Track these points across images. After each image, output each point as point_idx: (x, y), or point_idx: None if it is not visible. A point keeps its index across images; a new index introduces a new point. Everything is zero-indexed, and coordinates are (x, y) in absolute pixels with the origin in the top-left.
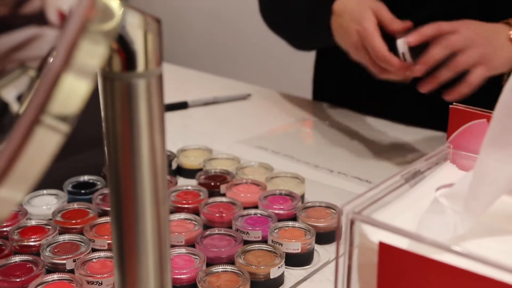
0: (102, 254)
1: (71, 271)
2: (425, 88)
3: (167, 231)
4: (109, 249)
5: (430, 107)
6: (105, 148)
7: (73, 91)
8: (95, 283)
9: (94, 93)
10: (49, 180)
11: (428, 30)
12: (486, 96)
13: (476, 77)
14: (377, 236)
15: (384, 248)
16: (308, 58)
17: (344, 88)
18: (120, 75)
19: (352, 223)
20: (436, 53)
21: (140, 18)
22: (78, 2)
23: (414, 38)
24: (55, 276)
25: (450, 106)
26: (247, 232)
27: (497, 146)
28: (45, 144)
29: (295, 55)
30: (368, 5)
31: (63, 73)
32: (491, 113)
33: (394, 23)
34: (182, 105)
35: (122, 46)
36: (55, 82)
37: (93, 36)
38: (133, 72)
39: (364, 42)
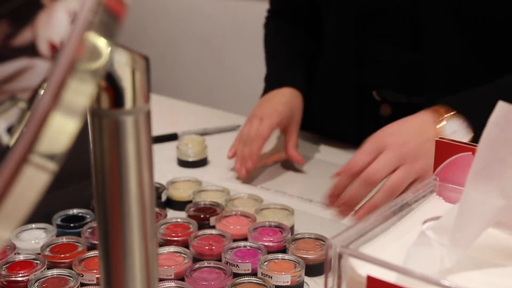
0: None
1: None
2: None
3: (156, 266)
4: (98, 284)
5: None
6: (93, 184)
7: (61, 130)
8: None
9: (82, 127)
10: (38, 213)
11: (341, 180)
12: None
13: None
14: (365, 269)
15: (372, 282)
16: None
17: (332, 119)
18: (108, 112)
19: (340, 256)
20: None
21: (128, 56)
22: (66, 41)
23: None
24: None
25: (436, 139)
26: (237, 265)
27: (482, 179)
28: (32, 183)
29: None
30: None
31: (51, 112)
32: (476, 146)
33: (291, 150)
34: (171, 137)
35: (110, 84)
36: (43, 121)
37: (81, 75)
38: (121, 109)
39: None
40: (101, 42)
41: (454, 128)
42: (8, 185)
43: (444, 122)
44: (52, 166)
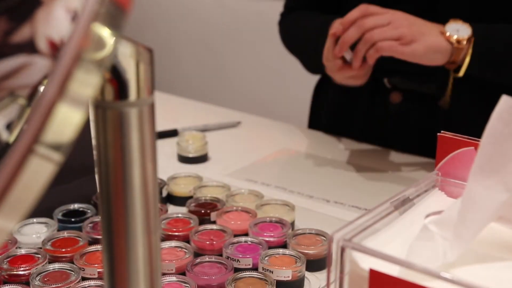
0: (92, 283)
1: None
2: (354, 64)
3: (159, 260)
4: (99, 278)
5: (420, 134)
6: (97, 176)
7: (67, 121)
8: None
9: (84, 122)
10: (39, 208)
11: (352, 14)
12: (474, 124)
13: (386, 44)
14: (367, 263)
15: (375, 275)
16: (297, 87)
17: (339, 116)
18: (112, 104)
19: (342, 250)
20: (347, 34)
21: (132, 48)
22: (72, 32)
23: (336, 27)
24: None
25: (438, 134)
26: (238, 260)
27: (485, 174)
28: (38, 174)
29: (285, 83)
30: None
31: (57, 103)
32: (478, 141)
33: None
34: (172, 133)
35: (115, 76)
36: (49, 112)
37: (87, 65)
38: (125, 101)
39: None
40: (106, 33)
41: (459, 30)
42: (14, 175)
43: (453, 24)
44: (58, 157)
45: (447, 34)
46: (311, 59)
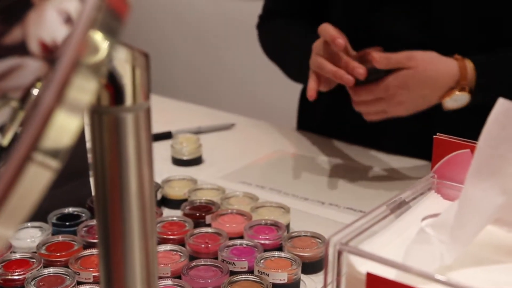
0: (87, 287)
1: None
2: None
3: (156, 264)
4: (94, 282)
5: (414, 136)
6: (93, 181)
7: (65, 128)
8: None
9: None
10: (33, 212)
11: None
12: (470, 127)
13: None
14: (364, 266)
15: (372, 279)
16: (291, 89)
17: (329, 117)
18: (108, 109)
19: (339, 254)
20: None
21: (128, 53)
22: (70, 39)
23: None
24: None
25: (434, 136)
26: (233, 263)
27: (482, 177)
28: (36, 181)
29: (279, 86)
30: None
31: (55, 110)
32: (474, 143)
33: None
34: (166, 135)
35: (111, 81)
36: (47, 119)
37: (84, 72)
38: (121, 106)
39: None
40: (102, 39)
41: (457, 101)
42: (12, 183)
43: (453, 96)
44: (55, 164)
45: (445, 104)
46: (294, 71)
